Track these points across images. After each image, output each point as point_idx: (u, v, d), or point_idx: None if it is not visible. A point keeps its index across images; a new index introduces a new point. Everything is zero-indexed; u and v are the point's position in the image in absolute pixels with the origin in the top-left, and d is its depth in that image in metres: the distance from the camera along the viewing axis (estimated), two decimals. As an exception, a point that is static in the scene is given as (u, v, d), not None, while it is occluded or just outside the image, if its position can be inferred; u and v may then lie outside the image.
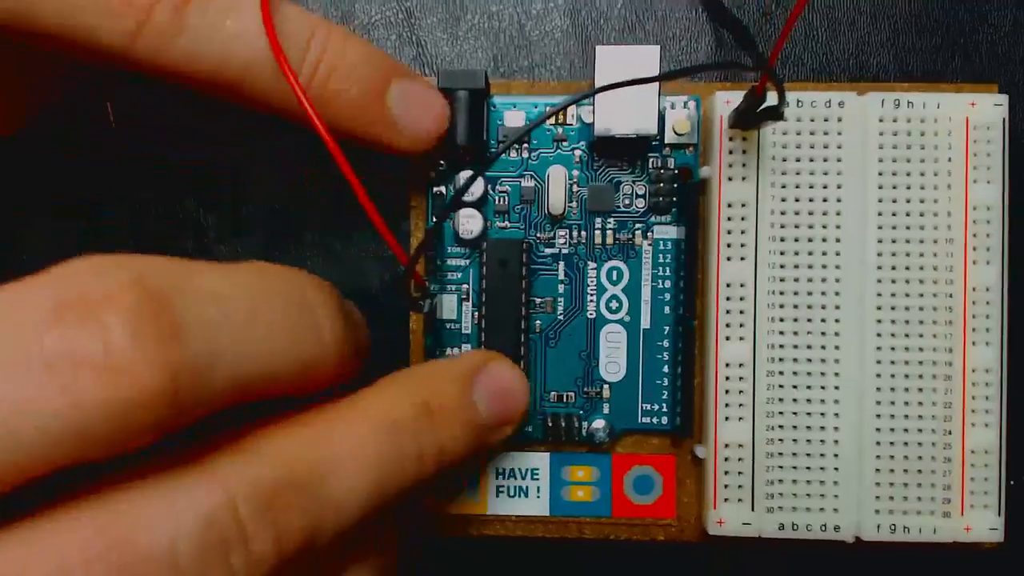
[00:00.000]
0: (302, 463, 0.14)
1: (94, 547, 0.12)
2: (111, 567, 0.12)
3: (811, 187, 0.22)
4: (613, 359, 0.23)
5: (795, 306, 0.22)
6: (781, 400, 0.22)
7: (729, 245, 0.22)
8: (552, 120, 0.23)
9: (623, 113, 0.21)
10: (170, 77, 0.19)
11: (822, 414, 0.22)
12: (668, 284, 0.23)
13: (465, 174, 0.23)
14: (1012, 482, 0.24)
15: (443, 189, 0.23)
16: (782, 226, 0.22)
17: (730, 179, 0.22)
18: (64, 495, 0.13)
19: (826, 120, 0.22)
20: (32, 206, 0.25)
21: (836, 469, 0.22)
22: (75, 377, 0.12)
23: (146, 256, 0.14)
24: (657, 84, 0.21)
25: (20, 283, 0.13)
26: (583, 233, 0.23)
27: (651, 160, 0.23)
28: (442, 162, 0.23)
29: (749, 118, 0.21)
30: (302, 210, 0.25)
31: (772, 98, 0.19)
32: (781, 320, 0.22)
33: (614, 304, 0.23)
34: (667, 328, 0.23)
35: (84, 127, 0.25)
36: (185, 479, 0.13)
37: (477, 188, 0.23)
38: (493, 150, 0.23)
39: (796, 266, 0.22)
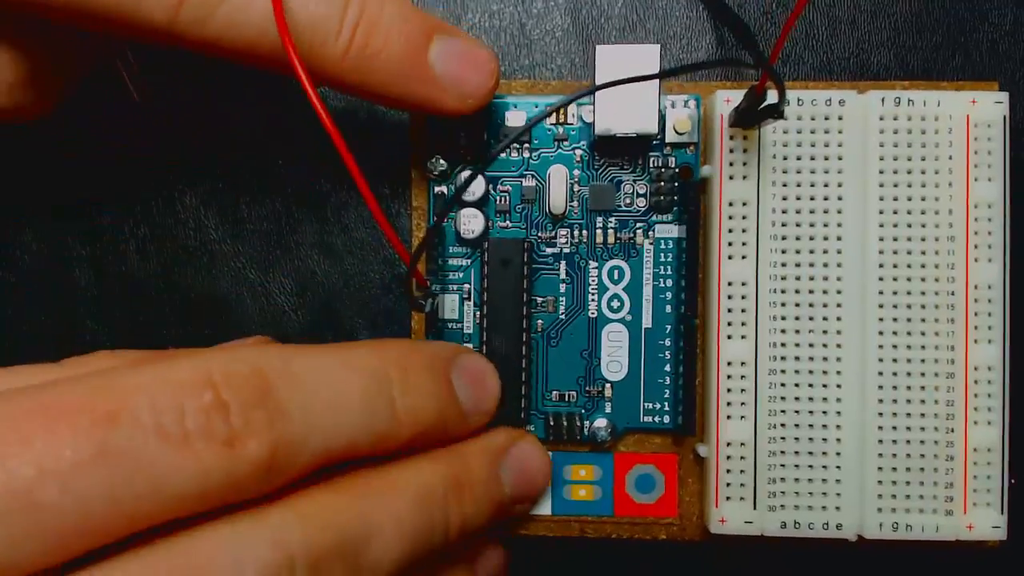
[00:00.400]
0: (348, 530, 0.17)
1: None
2: None
3: (812, 185, 0.22)
4: (615, 358, 0.23)
5: (796, 304, 0.22)
6: (783, 398, 0.22)
7: (730, 244, 0.22)
8: (553, 120, 0.23)
9: (624, 112, 0.21)
10: (211, 50, 0.19)
11: (824, 412, 0.22)
12: (669, 283, 0.23)
13: (465, 174, 0.23)
14: (1013, 481, 0.24)
15: (444, 189, 0.23)
16: (783, 224, 0.22)
17: (731, 178, 0.22)
18: (144, 538, 0.15)
19: (827, 119, 0.22)
20: (31, 206, 0.25)
21: (838, 467, 0.22)
22: (207, 449, 0.15)
23: (260, 347, 0.17)
24: (657, 83, 0.21)
25: (169, 367, 0.16)
26: (584, 232, 0.23)
27: (652, 159, 0.23)
28: (443, 162, 0.23)
29: (750, 117, 0.21)
30: (304, 208, 0.25)
31: (772, 96, 0.19)
32: (783, 318, 0.22)
33: (615, 303, 0.23)
34: (669, 327, 0.23)
35: (106, 108, 0.25)
36: (249, 532, 0.16)
37: (478, 188, 0.23)
38: (493, 150, 0.23)
39: (797, 264, 0.22)
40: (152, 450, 0.15)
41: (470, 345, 0.23)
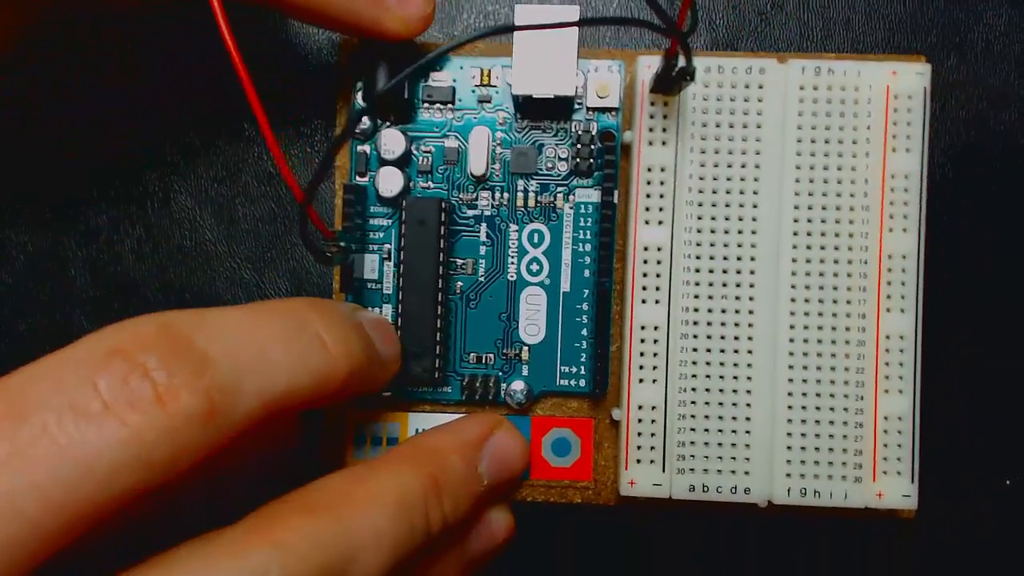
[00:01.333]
0: (329, 555, 0.16)
1: None
2: None
3: (730, 153, 0.22)
4: (532, 321, 0.23)
5: (711, 271, 0.22)
6: (695, 363, 0.22)
7: (647, 209, 0.22)
8: (477, 81, 0.23)
9: (541, 75, 0.21)
10: None
11: (735, 378, 0.22)
12: (589, 248, 0.23)
13: (389, 132, 0.23)
14: (1008, 482, 0.25)
15: (367, 148, 0.23)
16: (700, 191, 0.22)
17: (650, 143, 0.22)
18: (134, 563, 0.14)
19: (747, 87, 0.22)
20: (27, 206, 0.26)
21: (748, 433, 0.22)
22: (132, 412, 0.14)
23: (164, 311, 0.16)
24: (575, 46, 0.21)
25: (65, 349, 0.15)
26: (505, 195, 0.23)
27: (574, 124, 0.23)
28: (367, 121, 0.23)
29: (666, 81, 0.21)
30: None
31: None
32: (697, 284, 0.22)
33: (535, 267, 0.23)
34: (587, 291, 0.23)
35: (102, 108, 0.25)
36: (227, 569, 0.15)
37: (397, 146, 0.23)
38: (418, 109, 0.23)
39: (713, 231, 0.22)
40: (71, 431, 0.13)
41: (388, 307, 0.23)
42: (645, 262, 0.22)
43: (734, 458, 0.22)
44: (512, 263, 0.23)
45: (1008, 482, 0.25)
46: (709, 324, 0.22)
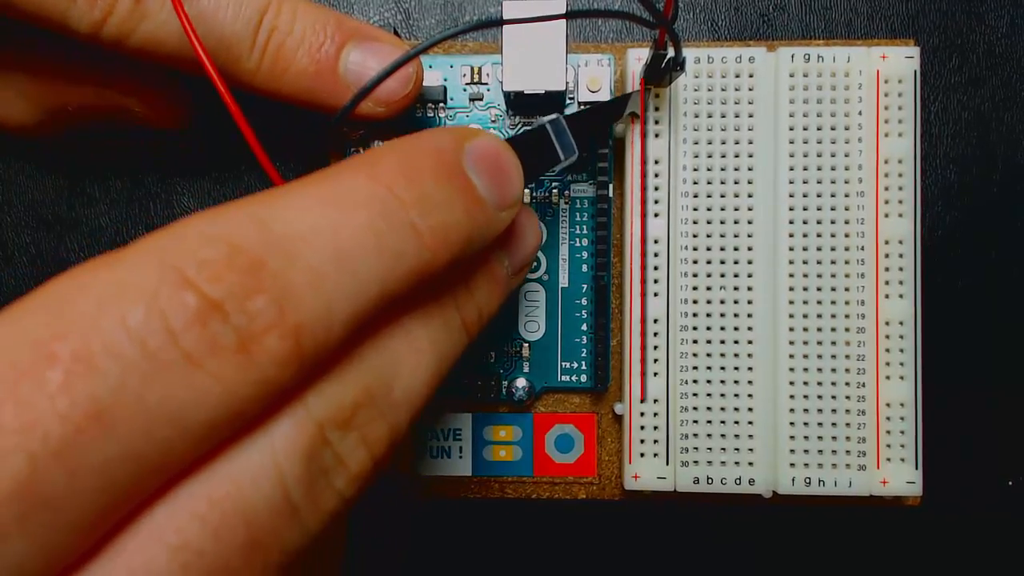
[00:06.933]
0: (366, 378, 0.15)
1: (210, 516, 0.13)
2: (234, 527, 0.13)
3: (723, 143, 0.22)
4: (532, 318, 0.23)
5: (708, 262, 0.22)
6: (695, 355, 0.22)
7: (643, 202, 0.22)
8: (468, 79, 0.23)
9: (532, 70, 0.21)
10: (137, 56, 0.20)
11: (736, 368, 0.22)
12: (586, 242, 0.23)
13: (383, 143, 0.23)
14: (1011, 483, 0.25)
15: (360, 150, 0.23)
16: (695, 182, 0.22)
17: (643, 135, 0.22)
18: (171, 479, 0.13)
19: (737, 76, 0.22)
20: (29, 208, 0.26)
21: (751, 423, 0.22)
22: (219, 363, 0.12)
23: (222, 215, 0.13)
24: (564, 41, 0.21)
25: (117, 265, 0.13)
26: (500, 193, 0.23)
27: (567, 119, 0.23)
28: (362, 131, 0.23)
29: (656, 73, 0.21)
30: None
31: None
32: (694, 276, 0.22)
33: (532, 263, 0.23)
34: (585, 286, 0.23)
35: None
36: (271, 427, 0.13)
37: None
38: (417, 113, 0.23)
39: (709, 222, 0.22)
40: (155, 385, 0.12)
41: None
42: (643, 255, 0.22)
43: (737, 449, 0.22)
44: (509, 260, 0.23)
45: (1011, 483, 0.25)
46: (708, 315, 0.22)
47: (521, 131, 0.21)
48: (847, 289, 0.22)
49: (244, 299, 0.13)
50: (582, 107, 0.23)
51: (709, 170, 0.22)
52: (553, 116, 0.19)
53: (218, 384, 0.12)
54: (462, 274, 0.17)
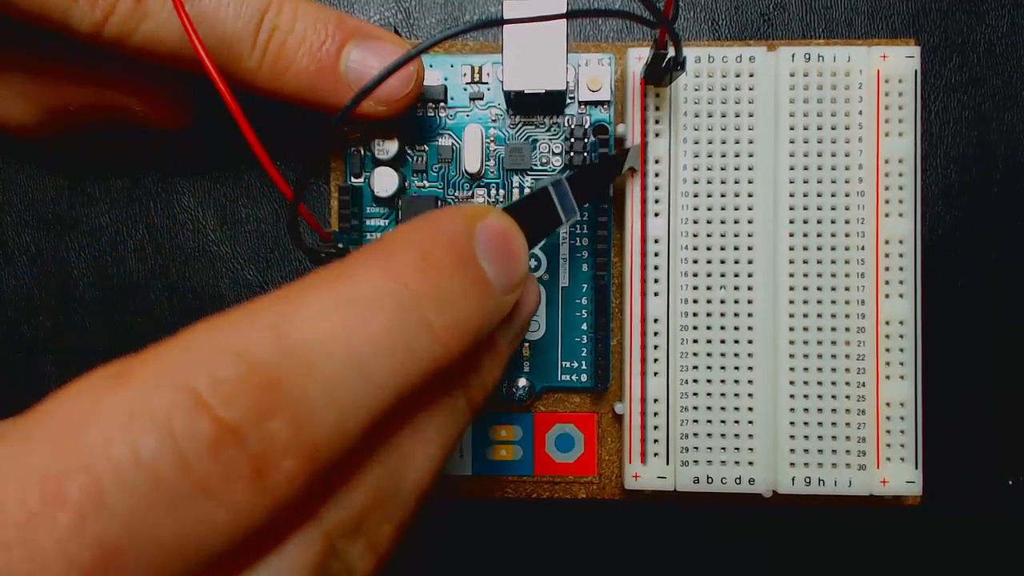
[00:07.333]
0: (377, 479, 0.15)
1: None
2: None
3: (724, 143, 0.22)
4: (532, 317, 0.23)
5: (708, 261, 0.22)
6: (695, 355, 0.22)
7: (643, 201, 0.22)
8: (468, 79, 0.23)
9: (532, 70, 0.21)
10: (137, 57, 0.20)
11: (736, 368, 0.22)
12: (586, 242, 0.23)
13: (384, 140, 0.23)
14: (1011, 482, 0.25)
15: (360, 150, 0.23)
16: (695, 182, 0.22)
17: (644, 135, 0.22)
18: None
19: (738, 76, 0.22)
20: (29, 207, 0.26)
21: (751, 423, 0.22)
22: (231, 491, 0.12)
23: (237, 324, 0.13)
24: (564, 41, 0.21)
25: (126, 387, 0.12)
26: (501, 192, 0.23)
27: (567, 118, 0.23)
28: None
29: (657, 72, 0.21)
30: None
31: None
32: (694, 275, 0.22)
33: (533, 263, 0.23)
34: (585, 286, 0.23)
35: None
36: (282, 548, 0.13)
37: (391, 147, 0.23)
38: (417, 112, 0.23)
39: (709, 221, 0.22)
40: (166, 519, 0.11)
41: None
42: (643, 255, 0.22)
43: (738, 449, 0.22)
44: (509, 260, 0.23)
45: (1010, 483, 0.25)
46: (708, 315, 0.22)
47: (524, 195, 0.20)
48: (847, 289, 0.22)
49: (260, 421, 0.12)
50: (581, 107, 0.23)
51: (709, 170, 0.22)
52: (556, 178, 0.19)
53: (231, 513, 0.12)
54: (467, 357, 0.16)
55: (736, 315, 0.22)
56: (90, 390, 0.12)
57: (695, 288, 0.22)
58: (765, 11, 0.25)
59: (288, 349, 0.13)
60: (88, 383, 0.12)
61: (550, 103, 0.23)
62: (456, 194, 0.23)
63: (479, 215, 0.16)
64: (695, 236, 0.22)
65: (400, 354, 0.14)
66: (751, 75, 0.22)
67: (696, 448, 0.22)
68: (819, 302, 0.22)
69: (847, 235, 0.22)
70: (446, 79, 0.23)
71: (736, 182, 0.22)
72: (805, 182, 0.22)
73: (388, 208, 0.23)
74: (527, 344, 0.23)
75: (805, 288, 0.22)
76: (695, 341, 0.22)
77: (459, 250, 0.15)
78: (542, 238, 0.19)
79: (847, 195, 0.22)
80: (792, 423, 0.22)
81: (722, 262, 0.22)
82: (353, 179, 0.23)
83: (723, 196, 0.22)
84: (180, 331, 0.13)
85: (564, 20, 0.21)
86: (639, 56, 0.22)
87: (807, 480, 0.22)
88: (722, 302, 0.22)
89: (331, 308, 0.13)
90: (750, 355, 0.22)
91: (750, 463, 0.22)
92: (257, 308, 0.13)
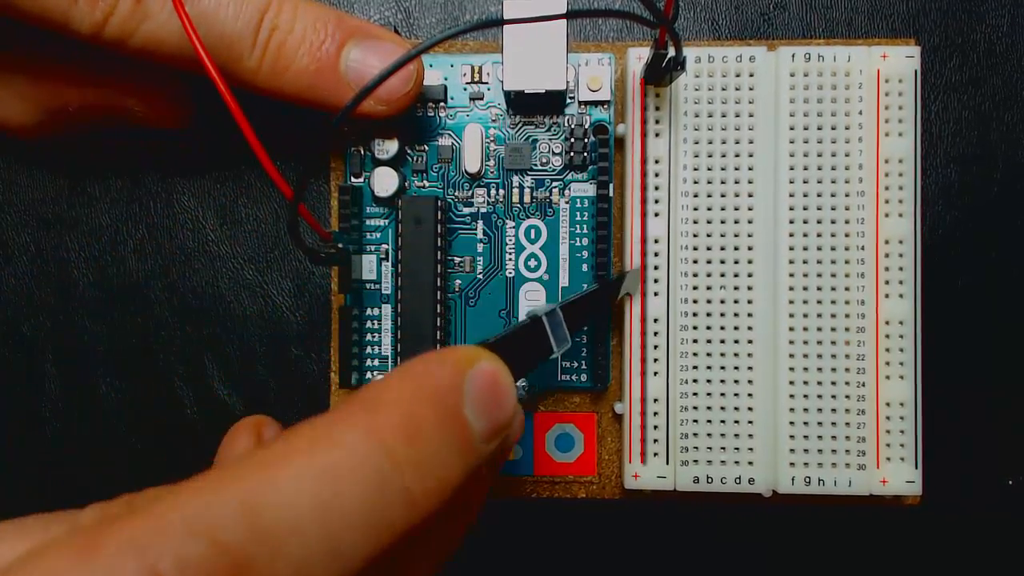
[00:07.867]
0: None
1: None
2: None
3: (724, 143, 0.22)
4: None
5: (708, 261, 0.22)
6: (695, 354, 0.22)
7: (643, 201, 0.22)
8: (468, 79, 0.23)
9: (532, 69, 0.21)
10: (138, 58, 0.20)
11: (736, 367, 0.22)
12: (586, 242, 0.23)
13: (384, 140, 0.23)
14: (1011, 482, 0.25)
15: (360, 149, 0.23)
16: (695, 182, 0.22)
17: (644, 135, 0.22)
18: None
19: (738, 75, 0.22)
20: (29, 207, 0.26)
21: (751, 422, 0.22)
22: None
23: (209, 500, 0.13)
24: (564, 41, 0.21)
25: (89, 560, 0.12)
26: (501, 192, 0.23)
27: (567, 118, 0.23)
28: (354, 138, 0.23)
29: (657, 72, 0.21)
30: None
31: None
32: (694, 275, 0.22)
33: (532, 262, 0.23)
34: (585, 286, 0.23)
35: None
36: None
37: (391, 146, 0.23)
38: (417, 112, 0.23)
39: (709, 221, 0.22)
40: None
41: (388, 307, 0.23)
42: (643, 254, 0.22)
43: (737, 448, 0.22)
44: (510, 259, 0.23)
45: (1010, 483, 0.25)
46: (708, 315, 0.22)
47: (516, 324, 0.20)
48: (847, 289, 0.22)
49: None
50: (581, 107, 0.23)
51: (709, 170, 0.22)
52: (550, 307, 0.18)
53: None
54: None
55: (736, 315, 0.22)
56: (58, 566, 0.12)
57: (695, 288, 0.22)
58: (765, 11, 0.25)
59: (259, 531, 0.12)
60: (54, 557, 0.12)
61: (550, 103, 0.23)
62: (456, 194, 0.23)
63: (470, 360, 0.15)
64: (695, 236, 0.22)
65: (374, 526, 0.14)
66: (751, 75, 0.22)
67: (696, 448, 0.22)
68: (819, 302, 0.22)
69: (847, 235, 0.22)
70: (446, 79, 0.23)
71: (736, 182, 0.22)
72: (805, 182, 0.22)
73: (388, 208, 0.23)
74: (527, 344, 0.23)
75: (805, 288, 0.22)
76: (695, 341, 0.22)
77: (446, 406, 0.15)
78: (531, 370, 0.19)
79: (847, 195, 0.22)
80: (792, 423, 0.22)
81: (722, 262, 0.22)
82: (353, 179, 0.23)
83: (723, 196, 0.22)
84: (150, 498, 0.13)
85: (564, 20, 0.21)
86: (639, 56, 0.22)
87: (807, 480, 0.22)
88: (722, 302, 0.22)
89: (307, 482, 0.13)
90: (750, 355, 0.22)
91: (750, 463, 0.22)
92: (230, 479, 0.13)
